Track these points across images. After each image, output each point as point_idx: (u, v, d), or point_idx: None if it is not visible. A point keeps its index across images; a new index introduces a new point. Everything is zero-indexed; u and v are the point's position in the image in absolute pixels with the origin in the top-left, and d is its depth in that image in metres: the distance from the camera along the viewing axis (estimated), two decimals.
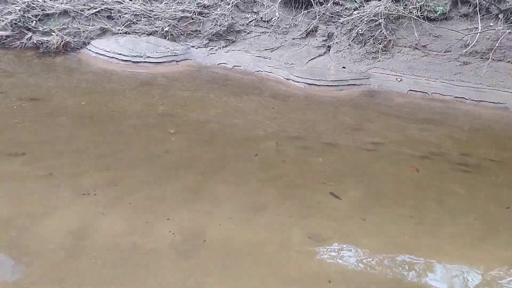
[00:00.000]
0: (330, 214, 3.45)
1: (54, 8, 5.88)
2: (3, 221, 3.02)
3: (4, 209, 3.13)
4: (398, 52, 6.10)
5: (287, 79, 5.75)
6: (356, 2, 6.23)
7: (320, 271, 2.89)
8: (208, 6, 6.25)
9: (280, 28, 6.31)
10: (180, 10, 6.15)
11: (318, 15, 6.25)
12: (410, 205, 3.63)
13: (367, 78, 5.83)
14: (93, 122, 4.44)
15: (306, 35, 6.31)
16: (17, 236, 2.93)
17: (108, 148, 4.06)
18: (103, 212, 3.23)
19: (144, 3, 6.19)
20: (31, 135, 4.09)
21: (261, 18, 6.34)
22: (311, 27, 6.28)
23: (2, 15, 5.78)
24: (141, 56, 5.70)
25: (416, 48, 6.12)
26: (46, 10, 5.87)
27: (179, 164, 3.95)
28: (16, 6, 5.79)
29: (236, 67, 5.95)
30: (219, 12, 6.21)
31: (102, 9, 6.03)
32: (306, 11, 6.29)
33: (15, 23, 5.73)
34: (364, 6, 6.19)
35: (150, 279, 2.75)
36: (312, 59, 6.02)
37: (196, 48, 6.16)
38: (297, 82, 5.68)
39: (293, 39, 6.27)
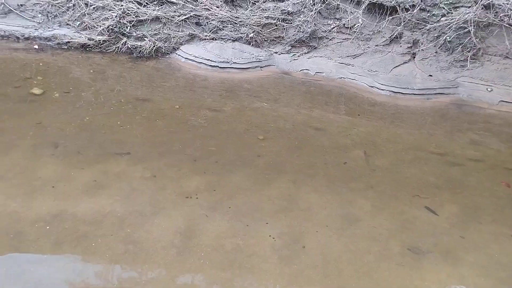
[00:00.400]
0: (427, 229, 3.43)
1: (147, 14, 6.22)
2: (119, 218, 3.28)
3: (118, 207, 3.39)
4: (487, 60, 5.88)
5: (371, 86, 5.72)
6: (444, 8, 6.07)
7: (422, 286, 2.89)
8: (292, 13, 6.34)
9: (363, 35, 6.29)
10: (265, 16, 6.29)
11: (403, 21, 6.15)
12: (510, 223, 3.53)
13: (455, 87, 5.68)
14: (187, 125, 4.66)
15: (390, 41, 6.24)
16: (132, 233, 3.17)
17: (203, 152, 4.25)
18: (206, 215, 3.41)
19: (230, 10, 6.39)
20: (132, 137, 4.37)
21: (344, 24, 6.34)
22: (395, 34, 6.20)
23: (100, 21, 6.19)
24: (228, 62, 5.90)
25: (507, 57, 5.87)
26: (139, 17, 6.23)
27: (271, 170, 4.07)
28: (113, 12, 6.18)
29: (318, 74, 6.01)
30: (302, 19, 6.29)
31: (191, 16, 6.30)
32: (391, 17, 6.22)
33: (112, 29, 6.13)
34: (452, 13, 6.03)
35: (255, 282, 2.88)
36: (396, 66, 5.95)
37: (279, 54, 6.28)
38: (381, 90, 5.65)
39: (376, 45, 6.23)
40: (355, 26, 6.30)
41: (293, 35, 6.32)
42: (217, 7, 6.37)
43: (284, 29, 6.35)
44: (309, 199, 3.70)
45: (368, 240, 3.26)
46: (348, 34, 6.34)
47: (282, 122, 4.91)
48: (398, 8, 6.16)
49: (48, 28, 6.23)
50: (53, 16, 6.34)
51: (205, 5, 6.35)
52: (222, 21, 6.31)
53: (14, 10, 6.38)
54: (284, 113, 5.10)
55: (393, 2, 6.16)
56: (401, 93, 5.57)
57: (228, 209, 3.51)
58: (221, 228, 3.29)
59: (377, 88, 5.68)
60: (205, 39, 6.25)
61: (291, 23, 6.35)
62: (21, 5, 6.44)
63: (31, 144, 4.02)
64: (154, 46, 6.06)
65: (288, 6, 6.36)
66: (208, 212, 3.45)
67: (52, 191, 3.47)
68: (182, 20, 6.29)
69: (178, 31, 6.26)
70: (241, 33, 6.27)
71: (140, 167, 3.93)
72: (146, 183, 3.73)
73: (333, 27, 6.39)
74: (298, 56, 6.28)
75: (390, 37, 6.24)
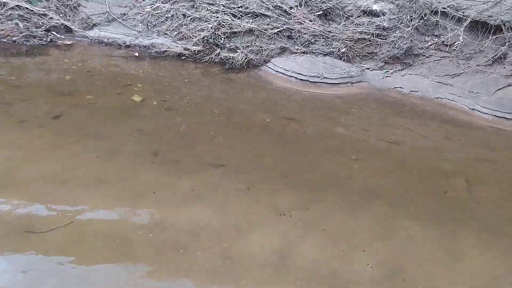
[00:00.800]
0: None
1: (240, 26, 6.34)
2: (216, 231, 3.32)
3: (215, 219, 3.44)
4: None
5: (472, 109, 5.39)
6: None
7: None
8: (387, 28, 6.16)
9: (463, 53, 5.96)
10: (358, 31, 6.16)
11: (508, 41, 5.75)
12: None
13: None
14: (278, 139, 4.66)
15: (493, 62, 5.86)
16: (229, 247, 3.20)
17: (294, 168, 4.22)
18: (301, 235, 3.37)
19: (323, 24, 6.35)
20: (226, 148, 4.43)
21: (443, 42, 6.05)
22: (499, 54, 5.81)
23: (196, 32, 6.40)
24: (319, 77, 5.84)
25: None
26: (233, 29, 6.36)
27: (365, 192, 3.95)
28: (209, 24, 6.37)
29: (413, 92, 5.77)
30: (398, 35, 6.08)
31: (283, 29, 6.34)
32: (495, 36, 5.84)
33: (207, 40, 6.30)
34: None
35: None
36: (499, 89, 5.57)
37: (371, 71, 6.12)
38: (484, 113, 5.30)
39: (478, 65, 5.87)
40: (455, 44, 5.99)
41: (387, 51, 6.13)
42: (310, 21, 6.35)
43: (378, 44, 6.18)
44: (407, 227, 3.53)
45: (477, 280, 3.04)
46: (447, 52, 6.04)
47: (375, 142, 4.76)
48: (503, 27, 5.78)
49: (148, 37, 6.55)
50: (152, 25, 6.65)
51: (298, 19, 6.35)
52: (314, 35, 6.27)
53: (117, 19, 6.77)
54: (377, 132, 4.94)
55: (497, 21, 5.79)
56: (506, 118, 5.19)
57: (323, 231, 3.44)
58: (316, 251, 3.23)
59: (479, 111, 5.33)
60: (296, 52, 6.24)
61: (386, 38, 6.17)
62: (124, 14, 6.83)
63: (133, 151, 4.21)
64: (246, 58, 6.15)
65: (383, 21, 6.19)
66: (303, 232, 3.40)
67: (153, 198, 3.60)
68: (274, 33, 6.33)
69: (270, 44, 6.31)
70: (333, 48, 6.19)
71: (234, 179, 3.97)
72: (240, 196, 3.76)
73: (431, 44, 6.12)
74: (392, 73, 6.07)
75: (493, 57, 5.85)
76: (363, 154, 4.53)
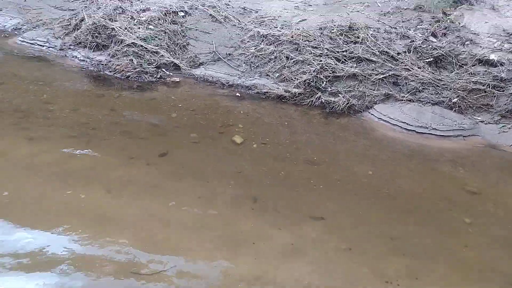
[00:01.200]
0: None
1: (343, 71, 6.22)
2: None
3: (316, 279, 3.27)
4: None
5: None
6: None
7: None
8: (505, 79, 5.69)
9: None
10: (473, 81, 5.75)
11: None
12: None
13: None
14: (382, 195, 4.38)
15: None
16: None
17: (401, 230, 3.92)
18: None
19: (433, 71, 6.02)
20: (325, 200, 4.26)
21: None
22: None
23: (298, 74, 6.39)
24: (426, 127, 5.49)
25: None
26: (336, 73, 6.25)
27: (481, 265, 3.54)
28: (311, 67, 6.33)
29: None
30: None
31: (389, 75, 6.11)
32: None
33: (308, 83, 6.24)
34: None
35: None
36: None
37: (486, 124, 5.63)
38: None
39: None
40: None
41: (505, 104, 5.62)
42: (418, 67, 6.06)
43: (494, 96, 5.70)
44: None
45: None
46: None
47: (491, 206, 4.30)
48: None
49: (250, 77, 6.66)
50: (255, 66, 6.76)
51: (405, 65, 6.09)
52: (422, 82, 5.95)
53: (223, 59, 7.00)
54: (493, 194, 4.47)
55: None
56: None
57: None
58: None
59: None
60: (401, 100, 5.94)
61: (504, 90, 5.68)
62: (229, 54, 7.04)
63: (233, 195, 4.19)
64: (347, 103, 5.97)
65: (501, 72, 5.73)
66: None
67: (252, 248, 3.52)
68: (379, 78, 6.12)
69: (374, 90, 6.09)
70: (443, 97, 5.81)
71: (335, 236, 3.78)
72: (342, 256, 3.55)
73: None
74: (509, 128, 5.54)
75: None
76: (479, 218, 4.11)
